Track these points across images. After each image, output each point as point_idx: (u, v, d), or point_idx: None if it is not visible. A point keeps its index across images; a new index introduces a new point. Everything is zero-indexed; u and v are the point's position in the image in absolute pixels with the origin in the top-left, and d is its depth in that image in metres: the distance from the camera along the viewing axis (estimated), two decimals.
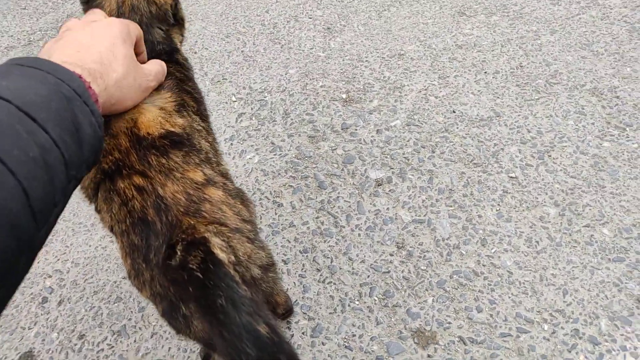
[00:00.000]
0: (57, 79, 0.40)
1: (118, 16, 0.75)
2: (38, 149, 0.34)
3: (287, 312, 1.01)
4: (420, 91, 1.52)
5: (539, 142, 1.31)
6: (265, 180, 1.32)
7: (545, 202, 1.18)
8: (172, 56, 0.80)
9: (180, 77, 0.75)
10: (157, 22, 0.79)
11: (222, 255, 0.52)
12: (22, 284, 1.14)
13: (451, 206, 1.20)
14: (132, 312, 1.08)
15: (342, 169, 1.32)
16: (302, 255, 1.14)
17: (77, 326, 1.06)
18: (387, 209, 1.21)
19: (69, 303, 1.11)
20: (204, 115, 0.77)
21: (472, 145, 1.33)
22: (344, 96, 1.54)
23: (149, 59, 0.68)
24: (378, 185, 1.27)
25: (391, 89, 1.54)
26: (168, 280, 0.53)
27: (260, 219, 1.23)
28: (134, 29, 0.60)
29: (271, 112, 1.52)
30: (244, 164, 1.36)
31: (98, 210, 0.60)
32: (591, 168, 1.23)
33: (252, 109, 1.54)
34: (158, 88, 0.66)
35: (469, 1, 1.86)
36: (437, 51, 1.66)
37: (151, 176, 0.56)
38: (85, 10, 0.78)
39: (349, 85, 1.57)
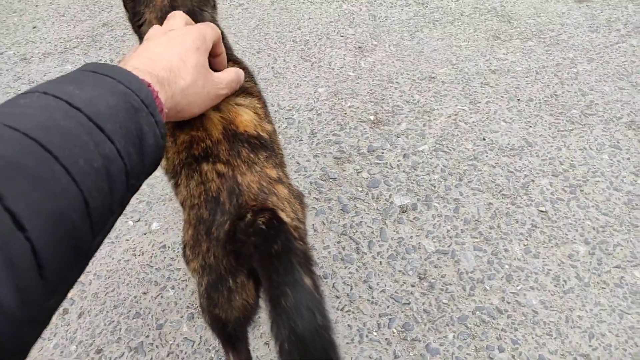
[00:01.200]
0: (128, 88, 0.41)
1: (170, 5, 0.78)
2: (102, 160, 0.35)
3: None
4: (450, 116, 1.50)
5: (571, 175, 1.28)
6: None
7: (575, 239, 1.14)
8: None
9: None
10: (204, 5, 0.82)
11: (287, 219, 0.58)
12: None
13: (477, 238, 1.18)
14: (150, 329, 1.09)
15: (367, 193, 1.31)
16: (322, 281, 1.13)
17: (95, 340, 1.08)
18: (411, 237, 1.20)
19: (89, 316, 1.12)
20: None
21: (501, 175, 1.31)
22: (372, 118, 1.53)
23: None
24: (402, 212, 1.25)
25: (420, 113, 1.52)
26: (227, 251, 0.60)
27: None
28: (211, 35, 0.61)
29: (298, 131, 1.52)
30: None
31: (177, 185, 0.67)
32: (624, 206, 1.19)
33: (279, 127, 1.54)
34: (247, 91, 0.71)
35: (504, 25, 1.83)
36: (469, 75, 1.63)
37: (235, 165, 0.63)
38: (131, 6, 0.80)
39: (377, 106, 1.56)
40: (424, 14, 1.96)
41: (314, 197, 1.32)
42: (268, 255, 0.53)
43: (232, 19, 2.10)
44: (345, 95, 1.62)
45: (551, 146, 1.36)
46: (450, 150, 1.39)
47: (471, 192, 1.28)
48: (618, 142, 1.34)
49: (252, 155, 0.65)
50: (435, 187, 1.30)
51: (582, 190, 1.24)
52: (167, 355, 1.05)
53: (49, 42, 2.15)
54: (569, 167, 1.30)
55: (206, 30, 0.60)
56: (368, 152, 1.42)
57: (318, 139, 1.48)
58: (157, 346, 1.06)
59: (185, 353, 1.05)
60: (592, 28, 1.76)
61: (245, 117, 0.68)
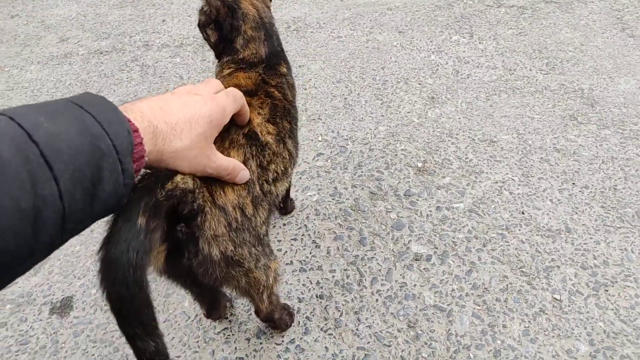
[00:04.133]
0: (103, 130, 0.40)
1: (259, 17, 0.95)
2: (34, 201, 0.34)
3: (267, 321, 1.08)
4: (497, 182, 1.49)
5: (600, 272, 1.21)
6: (315, 219, 1.39)
7: (580, 335, 1.08)
8: (285, 56, 1.02)
9: (290, 100, 0.94)
10: (274, 21, 1.01)
11: (179, 183, 0.58)
12: (89, 239, 1.35)
13: (479, 305, 1.16)
14: (159, 295, 1.22)
15: (389, 233, 1.35)
16: (317, 300, 1.19)
17: None
18: (414, 285, 1.21)
19: None
20: (295, 139, 0.95)
21: (527, 252, 1.28)
22: (419, 165, 1.57)
23: (278, 50, 0.95)
24: (415, 260, 1.27)
25: (468, 172, 1.53)
26: None
27: (296, 253, 1.30)
28: (232, 108, 0.64)
29: (347, 159, 1.60)
30: (303, 199, 1.46)
31: None
32: None
33: (331, 152, 1.64)
34: (268, 111, 0.83)
35: (586, 108, 1.78)
36: (531, 148, 1.61)
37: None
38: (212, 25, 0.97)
39: (428, 155, 1.60)
40: (507, 79, 1.96)
41: (339, 223, 1.38)
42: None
43: (326, 48, 2.25)
44: (402, 138, 1.68)
45: (591, 238, 1.30)
46: (484, 214, 1.39)
47: (490, 260, 1.26)
48: None
49: (234, 136, 0.74)
50: (456, 245, 1.31)
51: (607, 291, 1.17)
52: (164, 321, 1.16)
53: (170, 36, 2.46)
54: (601, 264, 1.23)
55: (227, 105, 0.62)
56: (404, 195, 1.46)
57: (362, 172, 1.55)
58: (159, 310, 1.19)
59: (179, 324, 1.16)
60: None
61: (255, 119, 0.79)
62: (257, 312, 1.02)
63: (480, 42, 2.24)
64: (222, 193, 0.70)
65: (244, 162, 0.74)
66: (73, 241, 1.36)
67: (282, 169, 0.86)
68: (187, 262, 0.70)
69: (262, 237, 0.81)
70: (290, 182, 1.30)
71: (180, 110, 0.53)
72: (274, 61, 0.96)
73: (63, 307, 1.21)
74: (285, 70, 0.97)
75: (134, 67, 2.19)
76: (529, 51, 2.15)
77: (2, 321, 1.18)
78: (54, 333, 1.15)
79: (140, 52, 2.32)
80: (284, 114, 0.88)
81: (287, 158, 0.88)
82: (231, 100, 0.63)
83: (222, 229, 0.70)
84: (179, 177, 0.58)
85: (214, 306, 1.10)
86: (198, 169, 0.60)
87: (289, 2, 2.70)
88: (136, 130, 0.45)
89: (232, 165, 0.66)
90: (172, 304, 1.20)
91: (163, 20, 2.60)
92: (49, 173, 0.35)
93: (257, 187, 0.77)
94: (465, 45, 2.23)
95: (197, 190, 0.63)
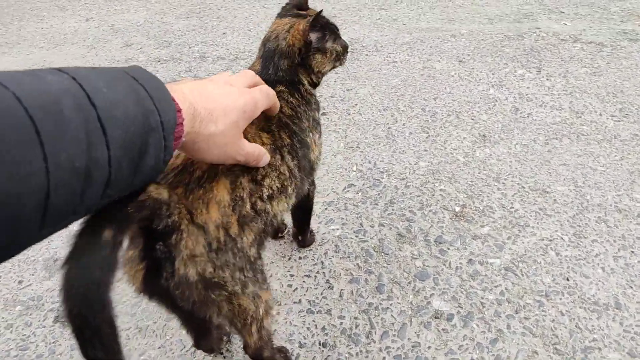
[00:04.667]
0: (155, 106, 0.42)
1: (263, 44, 0.94)
2: (87, 161, 0.35)
3: (256, 359, 0.98)
4: (542, 239, 1.33)
5: None
6: (333, 256, 1.31)
7: None
8: (294, 86, 0.95)
9: (289, 114, 0.88)
10: (284, 56, 0.93)
11: (151, 193, 0.55)
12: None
13: None
14: (160, 318, 1.19)
15: (410, 282, 1.23)
16: (319, 348, 1.10)
17: (118, 306, 1.21)
18: (429, 347, 1.09)
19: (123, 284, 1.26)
20: (301, 161, 0.88)
21: (565, 327, 1.11)
22: (457, 209, 1.44)
23: (272, 79, 0.89)
24: (435, 317, 1.15)
25: (511, 224, 1.38)
26: None
27: (306, 292, 1.22)
28: (264, 104, 0.67)
29: (379, 194, 1.50)
30: (324, 232, 1.38)
31: None
32: None
33: (364, 184, 1.54)
34: (265, 125, 0.79)
35: None
36: (588, 204, 1.43)
37: None
38: None
39: (469, 200, 1.46)
40: (572, 123, 1.77)
41: (358, 264, 1.29)
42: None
43: (378, 73, 2.17)
44: (443, 177, 1.55)
45: None
46: (522, 275, 1.24)
47: (521, 330, 1.11)
48: None
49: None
50: (484, 307, 1.17)
51: None
52: (159, 347, 1.12)
53: (227, 49, 2.49)
54: None
55: (260, 100, 0.65)
56: (434, 242, 1.34)
57: (392, 209, 1.44)
58: (157, 335, 1.15)
59: (173, 353, 1.11)
60: None
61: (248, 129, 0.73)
62: (245, 347, 0.95)
63: (547, 79, 2.06)
64: (203, 211, 0.66)
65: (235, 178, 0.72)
66: None
67: (279, 185, 0.79)
68: (165, 283, 0.67)
69: (252, 260, 0.75)
70: (311, 208, 1.22)
71: (218, 98, 0.56)
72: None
73: None
74: (282, 88, 0.91)
75: (186, 78, 2.22)
76: (602, 94, 1.94)
77: (10, 322, 1.20)
78: (54, 342, 1.14)
79: (196, 63, 2.36)
80: (280, 125, 0.83)
81: (287, 174, 0.82)
82: (264, 96, 0.67)
83: (201, 249, 0.66)
84: (152, 187, 0.56)
85: (203, 336, 1.05)
86: (229, 155, 0.62)
87: (349, 23, 2.65)
88: (179, 111, 0.47)
89: (257, 151, 0.68)
90: (170, 329, 1.16)
91: (223, 33, 2.64)
92: (103, 138, 0.36)
93: (248, 206, 0.72)
94: (531, 81, 2.06)
95: (172, 204, 0.61)
